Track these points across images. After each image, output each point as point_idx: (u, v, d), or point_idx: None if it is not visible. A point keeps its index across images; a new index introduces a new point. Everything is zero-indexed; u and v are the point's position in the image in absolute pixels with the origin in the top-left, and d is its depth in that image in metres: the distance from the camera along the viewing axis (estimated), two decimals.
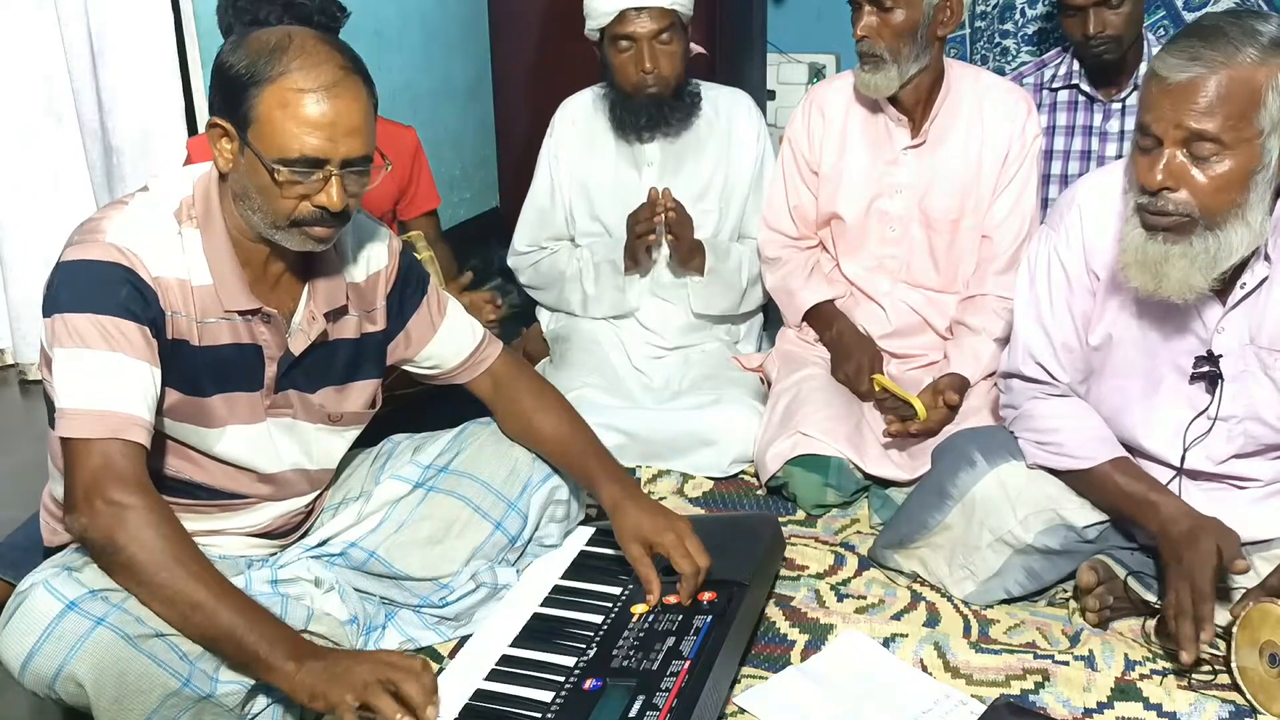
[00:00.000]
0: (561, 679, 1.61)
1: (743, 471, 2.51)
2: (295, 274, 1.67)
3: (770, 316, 2.91)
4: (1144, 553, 1.89)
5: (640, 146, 2.72)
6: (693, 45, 2.69)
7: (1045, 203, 2.63)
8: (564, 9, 3.05)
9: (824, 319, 2.62)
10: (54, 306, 1.52)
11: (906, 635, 1.89)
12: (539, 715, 1.54)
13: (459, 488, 1.90)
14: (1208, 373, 1.80)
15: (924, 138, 2.50)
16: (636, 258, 2.70)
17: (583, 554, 1.96)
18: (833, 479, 2.31)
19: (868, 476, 2.35)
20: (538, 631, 1.75)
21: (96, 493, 1.45)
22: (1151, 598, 1.86)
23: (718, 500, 2.42)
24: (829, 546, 2.21)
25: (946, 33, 2.41)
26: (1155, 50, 1.78)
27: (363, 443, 1.92)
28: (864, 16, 2.35)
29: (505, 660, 1.68)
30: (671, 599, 1.75)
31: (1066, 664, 1.82)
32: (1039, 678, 1.78)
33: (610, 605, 1.79)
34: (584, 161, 2.78)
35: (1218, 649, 1.76)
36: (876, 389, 2.41)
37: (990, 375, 2.37)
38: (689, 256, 2.68)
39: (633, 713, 1.51)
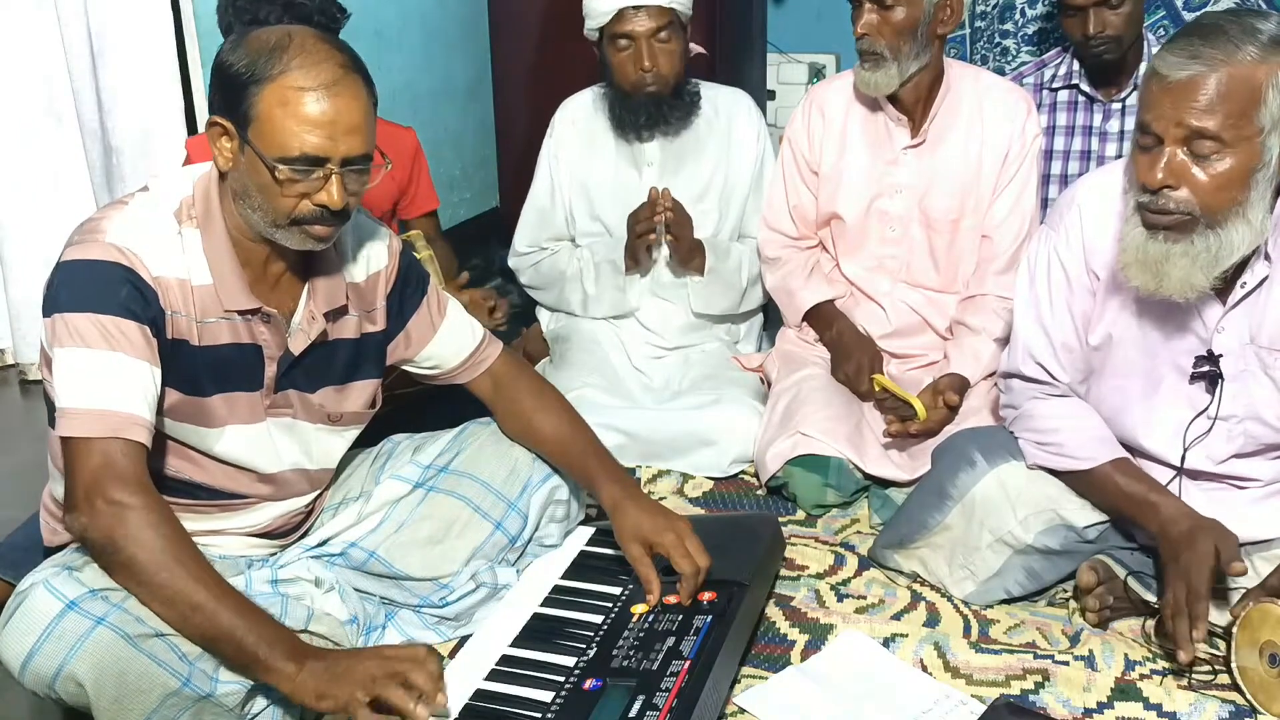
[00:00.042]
0: (561, 679, 1.61)
1: (743, 471, 2.51)
2: (295, 274, 1.67)
3: (770, 316, 2.91)
4: (1144, 553, 1.89)
5: (640, 146, 2.72)
6: (693, 45, 2.69)
7: (1045, 203, 2.63)
8: (564, 9, 3.05)
9: (824, 319, 2.62)
10: (54, 306, 1.52)
11: (906, 635, 1.89)
12: (539, 715, 1.54)
13: (459, 488, 1.90)
14: (1208, 372, 1.80)
15: (924, 137, 2.50)
16: (637, 257, 2.70)
17: (583, 554, 1.96)
18: (833, 479, 2.30)
19: (868, 476, 2.35)
20: (538, 631, 1.75)
21: (97, 492, 1.45)
22: (1151, 598, 1.86)
23: (718, 500, 2.42)
24: (829, 546, 2.21)
25: (947, 31, 2.41)
26: (1155, 50, 1.77)
27: (363, 443, 1.92)
28: (864, 14, 2.35)
29: (505, 660, 1.68)
30: (671, 599, 1.75)
31: (1066, 664, 1.81)
32: (1039, 678, 1.78)
33: (610, 605, 1.79)
34: (584, 161, 2.78)
35: (1217, 649, 1.76)
36: (876, 389, 2.41)
37: (990, 375, 2.37)
38: (689, 256, 2.68)
39: (633, 713, 1.51)
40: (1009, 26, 3.80)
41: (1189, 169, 1.63)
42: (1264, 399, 1.80)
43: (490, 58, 4.20)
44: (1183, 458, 1.85)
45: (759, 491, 2.44)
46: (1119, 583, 1.89)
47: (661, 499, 2.35)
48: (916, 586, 2.04)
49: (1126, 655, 1.83)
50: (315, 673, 1.45)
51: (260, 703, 1.59)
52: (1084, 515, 1.90)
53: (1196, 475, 1.87)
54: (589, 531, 2.01)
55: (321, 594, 1.77)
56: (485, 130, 4.27)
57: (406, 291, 1.83)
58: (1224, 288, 1.76)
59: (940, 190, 2.51)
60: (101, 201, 3.02)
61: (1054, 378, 1.94)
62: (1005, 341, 2.09)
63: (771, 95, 4.35)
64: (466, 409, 2.00)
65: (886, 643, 1.87)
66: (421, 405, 2.20)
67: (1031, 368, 1.95)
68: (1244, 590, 1.76)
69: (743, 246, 2.77)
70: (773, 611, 1.97)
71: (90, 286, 1.51)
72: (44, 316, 1.54)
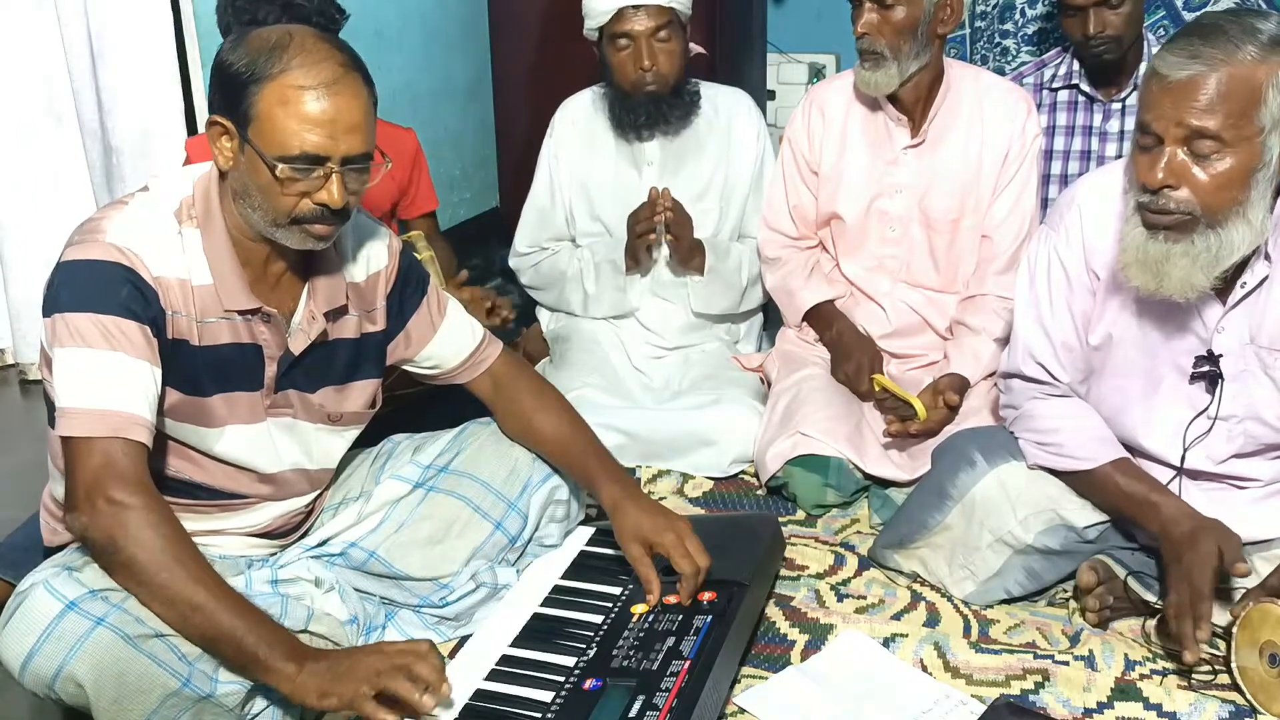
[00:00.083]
0: (561, 679, 1.61)
1: (743, 471, 2.51)
2: (295, 274, 1.67)
3: (770, 316, 2.91)
4: (1144, 553, 1.89)
5: (640, 146, 2.72)
6: (692, 45, 2.69)
7: (1045, 203, 2.63)
8: (564, 9, 3.05)
9: (824, 319, 2.62)
10: (54, 306, 1.52)
11: (906, 635, 1.89)
12: (539, 715, 1.54)
13: (459, 488, 1.90)
14: (1208, 372, 1.80)
15: (924, 137, 2.50)
16: (637, 257, 2.70)
17: (583, 554, 1.96)
18: (833, 479, 2.30)
19: (868, 476, 2.35)
20: (538, 631, 1.75)
21: (98, 492, 1.45)
22: (1151, 598, 1.86)
23: (718, 500, 2.42)
24: (829, 546, 2.20)
25: (947, 31, 2.41)
26: (1155, 50, 1.77)
27: (363, 443, 1.92)
28: (864, 13, 2.35)
29: (505, 660, 1.68)
30: (671, 599, 1.75)
31: (1066, 664, 1.81)
32: (1039, 678, 1.78)
33: (610, 605, 1.79)
34: (584, 161, 2.79)
35: (1217, 649, 1.76)
36: (876, 389, 2.41)
37: (990, 375, 2.37)
38: (689, 256, 2.68)
39: (633, 713, 1.51)
40: (1009, 26, 3.80)
41: (1189, 169, 1.63)
42: (1264, 399, 1.80)
43: (490, 58, 4.20)
44: (1183, 458, 1.85)
45: (759, 491, 2.43)
46: (1119, 583, 1.89)
47: (661, 499, 2.35)
48: (916, 586, 2.04)
49: (1126, 655, 1.83)
50: (316, 672, 1.46)
51: (260, 703, 1.59)
52: (1084, 515, 1.90)
53: (1196, 475, 1.87)
54: (589, 531, 2.01)
55: (321, 594, 1.77)
56: (485, 130, 4.27)
57: (406, 291, 1.83)
58: (1224, 288, 1.76)
59: (940, 190, 2.51)
60: (101, 201, 3.02)
61: (1054, 378, 1.94)
62: (1005, 341, 2.09)
63: (771, 95, 4.35)
64: (466, 409, 2.00)
65: (886, 643, 1.87)
66: (421, 405, 2.20)
67: (1032, 368, 1.95)
68: (1244, 590, 1.76)
69: (743, 246, 2.77)
70: (773, 611, 1.97)
71: (91, 286, 1.51)
72: (44, 316, 1.54)
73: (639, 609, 1.75)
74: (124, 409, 1.48)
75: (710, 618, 1.70)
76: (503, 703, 1.57)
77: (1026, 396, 1.96)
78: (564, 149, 2.81)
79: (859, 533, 2.26)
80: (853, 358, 2.51)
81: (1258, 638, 1.67)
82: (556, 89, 2.95)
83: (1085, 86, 2.75)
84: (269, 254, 1.63)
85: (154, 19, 2.99)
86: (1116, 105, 2.73)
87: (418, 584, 1.87)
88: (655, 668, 1.60)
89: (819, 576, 2.09)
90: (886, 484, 2.35)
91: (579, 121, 2.80)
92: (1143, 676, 1.78)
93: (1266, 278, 1.75)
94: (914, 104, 2.48)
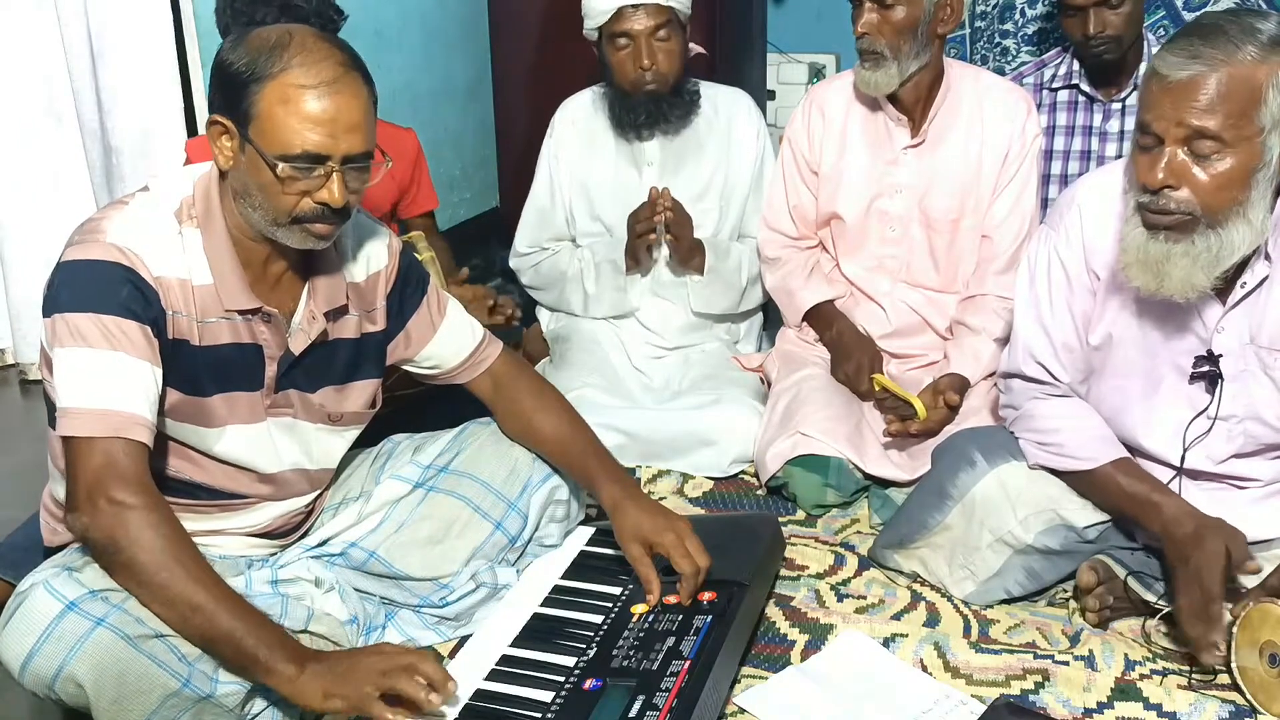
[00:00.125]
0: (561, 679, 1.61)
1: (743, 471, 2.51)
2: (295, 273, 1.67)
3: (770, 316, 2.91)
4: (1144, 553, 1.89)
5: (640, 145, 2.73)
6: (692, 45, 2.69)
7: (1045, 203, 2.63)
8: (564, 9, 3.05)
9: (824, 319, 2.62)
10: (55, 306, 1.52)
11: (906, 635, 1.89)
12: (539, 715, 1.54)
13: (459, 488, 1.90)
14: (1208, 372, 1.80)
15: (924, 137, 2.50)
16: (637, 257, 2.70)
17: (583, 554, 1.96)
18: (833, 479, 2.30)
19: (868, 476, 2.35)
20: (538, 631, 1.75)
21: (99, 492, 1.45)
22: (1151, 598, 1.86)
23: (718, 500, 2.42)
24: (829, 546, 2.20)
25: (947, 31, 2.41)
26: (1155, 50, 1.77)
27: (363, 443, 1.92)
28: (865, 13, 2.35)
29: (505, 660, 1.68)
30: (671, 599, 1.75)
31: (1066, 664, 1.81)
32: (1039, 678, 1.78)
33: (610, 605, 1.79)
34: (584, 161, 2.79)
35: (1218, 649, 1.76)
36: (876, 389, 2.41)
37: (990, 375, 2.37)
38: (689, 256, 2.68)
39: (633, 713, 1.51)
40: (1009, 26, 3.80)
41: (1189, 169, 1.63)
42: (1264, 399, 1.80)
43: (490, 58, 4.19)
44: (1182, 458, 1.85)
45: (759, 491, 2.43)
46: (1119, 583, 1.88)
47: (661, 499, 2.35)
48: (916, 586, 2.04)
49: (1126, 655, 1.83)
50: (318, 674, 1.46)
51: (260, 703, 1.59)
52: (1084, 515, 1.90)
53: (1196, 475, 1.87)
54: (589, 531, 2.01)
55: (321, 594, 1.77)
56: (485, 130, 4.27)
57: (406, 291, 1.83)
58: (1224, 288, 1.76)
59: (940, 190, 2.51)
60: (101, 201, 3.02)
61: (1055, 378, 1.94)
62: (1005, 341, 2.09)
63: (771, 95, 4.35)
64: (466, 409, 2.00)
65: (886, 643, 1.87)
66: (421, 405, 2.20)
67: (1032, 368, 1.95)
68: (1246, 589, 1.76)
69: (742, 246, 2.77)
70: (773, 611, 1.97)
71: (91, 286, 1.51)
72: (44, 317, 1.54)
73: (639, 609, 1.75)
74: (125, 409, 1.48)
75: (710, 618, 1.70)
76: (503, 703, 1.58)
77: (1027, 397, 1.96)
78: (564, 149, 2.81)
79: (859, 533, 2.26)
80: (853, 358, 2.51)
81: (1258, 638, 1.67)
82: (556, 89, 2.95)
83: (1085, 86, 2.75)
84: (269, 254, 1.63)
85: (154, 19, 2.99)
86: (1116, 105, 2.73)
87: (418, 584, 1.87)
88: (655, 668, 1.60)
89: (819, 576, 2.09)
90: (886, 484, 2.35)
91: (579, 121, 2.80)
92: (1143, 676, 1.78)
93: (1266, 278, 1.75)
94: (914, 104, 2.48)
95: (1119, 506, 1.86)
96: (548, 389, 1.97)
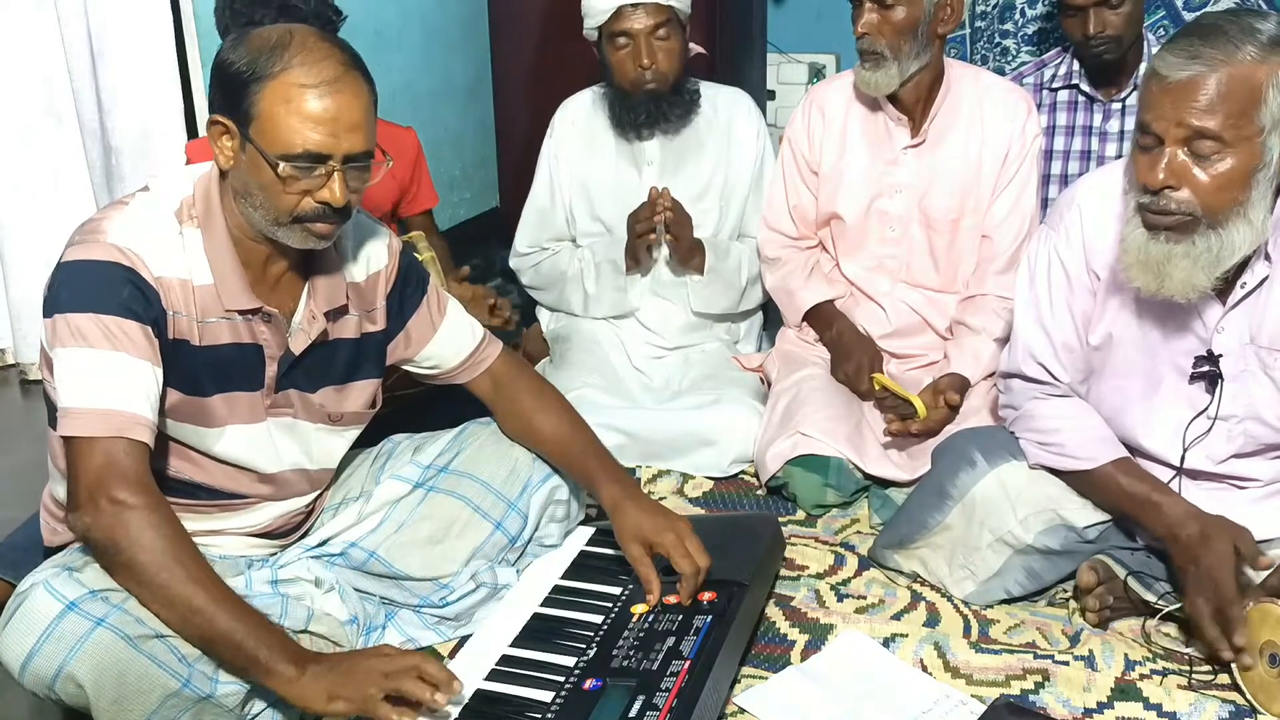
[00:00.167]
0: (561, 679, 1.61)
1: (743, 471, 2.51)
2: (296, 273, 1.67)
3: (770, 316, 2.91)
4: (1144, 553, 1.89)
5: (640, 145, 2.73)
6: (692, 45, 2.70)
7: (1045, 203, 2.63)
8: (564, 9, 3.05)
9: (824, 319, 2.62)
10: (55, 306, 1.52)
11: (906, 635, 1.89)
12: (539, 715, 1.54)
13: (459, 488, 1.90)
14: (1208, 372, 1.80)
15: (924, 137, 2.50)
16: (637, 257, 2.70)
17: (583, 554, 1.96)
18: (833, 479, 2.30)
19: (868, 476, 2.35)
20: (538, 631, 1.75)
21: (100, 491, 1.45)
22: (1151, 598, 1.86)
23: (718, 500, 2.42)
24: (829, 546, 2.20)
25: (947, 31, 2.41)
26: (1155, 50, 1.77)
27: (363, 443, 1.92)
28: (865, 14, 2.35)
29: (505, 660, 1.68)
30: (671, 599, 1.75)
31: (1066, 664, 1.81)
32: (1039, 678, 1.78)
33: (610, 605, 1.79)
34: (584, 161, 2.79)
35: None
36: (876, 388, 2.41)
37: (990, 375, 2.37)
38: (689, 256, 2.68)
39: (633, 713, 1.51)
40: (1009, 26, 3.80)
41: (1190, 169, 1.63)
42: (1264, 399, 1.80)
43: (490, 58, 4.19)
44: (1182, 458, 1.85)
45: (759, 491, 2.43)
46: (1119, 583, 1.88)
47: (661, 499, 2.35)
48: (916, 586, 2.04)
49: (1126, 655, 1.83)
50: (319, 675, 1.46)
51: (259, 704, 1.59)
52: (1084, 515, 1.90)
53: (1196, 475, 1.87)
54: (589, 531, 2.01)
55: (321, 594, 1.77)
56: (485, 130, 4.27)
57: (406, 291, 1.83)
58: (1224, 288, 1.76)
59: (940, 190, 2.51)
60: (101, 201, 3.02)
61: (1055, 378, 1.94)
62: (1005, 341, 2.09)
63: (771, 95, 4.35)
64: (466, 409, 2.00)
65: (886, 643, 1.87)
66: (421, 405, 2.20)
67: (1033, 368, 1.95)
68: (1254, 583, 1.76)
69: (742, 246, 2.77)
70: (773, 611, 1.97)
71: (92, 287, 1.51)
72: (45, 317, 1.54)
73: (639, 609, 1.76)
74: (126, 409, 1.48)
75: (710, 618, 1.70)
76: (503, 703, 1.58)
77: (1027, 397, 1.96)
78: (564, 149, 2.81)
79: (859, 533, 2.26)
80: (853, 357, 2.51)
81: (1258, 638, 1.67)
82: (556, 89, 2.95)
83: (1085, 86, 2.75)
84: (270, 254, 1.63)
85: (154, 19, 2.99)
86: (1116, 105, 2.73)
87: (418, 584, 1.87)
88: (655, 668, 1.60)
89: (819, 576, 2.09)
90: (886, 484, 2.35)
91: (579, 121, 2.80)
92: (1143, 676, 1.78)
93: (1267, 278, 1.75)
94: (914, 104, 2.48)
95: (1120, 506, 1.86)
96: (548, 389, 1.97)
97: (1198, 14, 2.68)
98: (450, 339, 1.89)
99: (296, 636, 1.63)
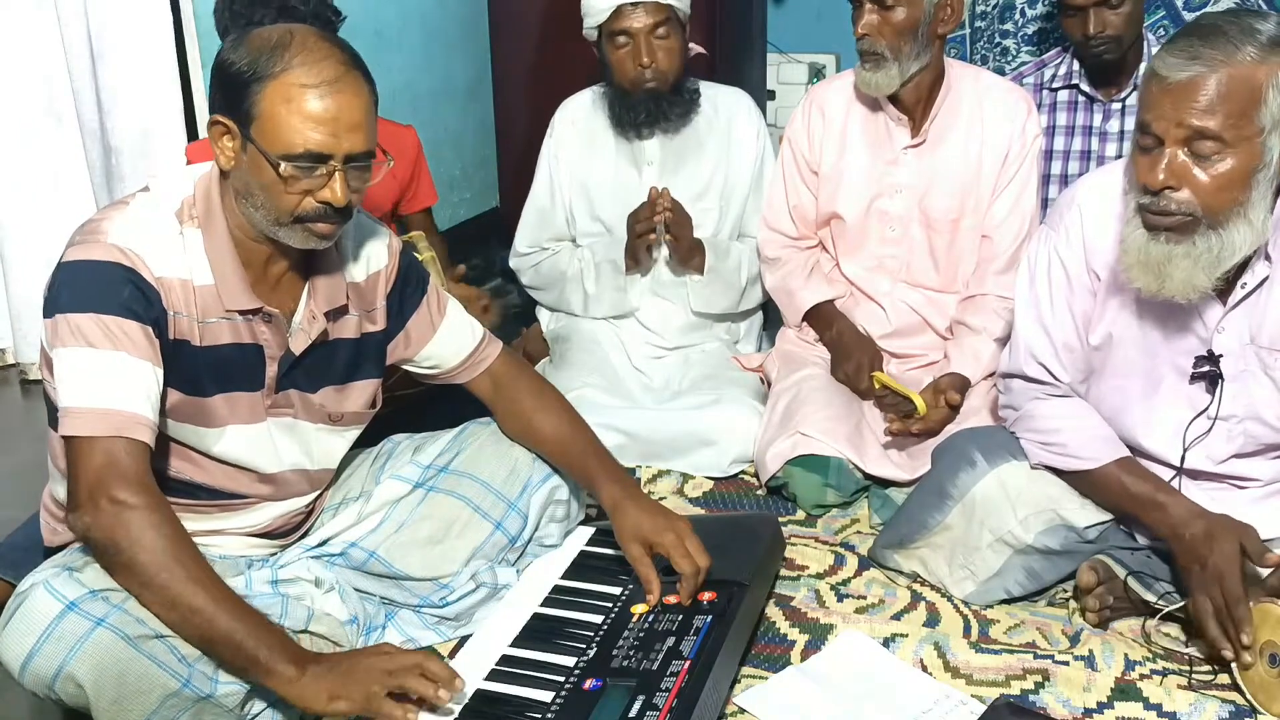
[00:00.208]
0: (561, 679, 1.61)
1: (743, 471, 2.51)
2: (296, 274, 1.67)
3: (770, 316, 2.91)
4: (1145, 553, 1.89)
5: (640, 145, 2.73)
6: (692, 45, 2.70)
7: (1045, 203, 2.63)
8: (564, 9, 3.05)
9: (824, 319, 2.62)
10: (56, 307, 1.52)
11: (906, 635, 1.89)
12: (539, 715, 1.54)
13: (459, 488, 1.90)
14: (1208, 372, 1.80)
15: (924, 137, 2.50)
16: (637, 257, 2.70)
17: (583, 554, 1.96)
18: (833, 479, 2.30)
19: (868, 476, 2.35)
20: (538, 631, 1.75)
21: (101, 491, 1.45)
22: (1151, 597, 1.86)
23: (718, 500, 2.42)
24: (829, 546, 2.21)
25: (947, 31, 2.41)
26: (1155, 50, 1.77)
27: (363, 443, 1.92)
28: (865, 14, 2.35)
29: (505, 660, 1.68)
30: (671, 599, 1.75)
31: (1066, 664, 1.81)
32: (1039, 678, 1.78)
33: (610, 605, 1.79)
34: (584, 161, 2.79)
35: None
36: (877, 386, 2.41)
37: (990, 375, 2.37)
38: (689, 256, 2.68)
39: (633, 713, 1.51)
40: (1009, 26, 3.80)
41: (1190, 170, 1.63)
42: (1264, 399, 1.80)
43: (490, 58, 4.19)
44: (1182, 458, 1.85)
45: (759, 491, 2.43)
46: (1119, 583, 1.88)
47: (661, 499, 2.35)
48: (916, 586, 2.04)
49: (1126, 655, 1.83)
50: (320, 675, 1.46)
51: (259, 704, 1.59)
52: (1084, 515, 1.90)
53: (1196, 475, 1.87)
54: (589, 531, 2.01)
55: (321, 594, 1.77)
56: (485, 130, 4.27)
57: (406, 291, 1.83)
58: (1224, 288, 1.76)
59: (940, 190, 2.51)
60: (101, 201, 3.02)
61: (1056, 378, 1.94)
62: (1005, 341, 2.09)
63: (771, 95, 4.35)
64: (466, 409, 2.00)
65: (886, 643, 1.87)
66: (421, 405, 2.20)
67: (1034, 368, 1.95)
68: (1262, 580, 1.76)
69: (742, 246, 2.77)
70: (773, 611, 1.97)
71: (92, 287, 1.51)
72: (45, 318, 1.54)
73: (639, 609, 1.76)
74: (127, 408, 1.48)
75: (710, 618, 1.70)
76: (503, 703, 1.58)
77: (1028, 397, 1.96)
78: (564, 149, 2.81)
79: (859, 533, 2.26)
80: (853, 357, 2.51)
81: (1258, 638, 1.67)
82: (556, 89, 2.95)
83: (1085, 86, 2.75)
84: (270, 254, 1.63)
85: (154, 19, 2.99)
86: (1116, 105, 2.73)
87: (418, 584, 1.87)
88: (655, 668, 1.60)
89: (819, 576, 2.09)
90: (886, 484, 2.35)
91: (579, 121, 2.80)
92: (1143, 676, 1.78)
93: (1267, 278, 1.75)
94: (915, 104, 2.48)
95: (1123, 506, 1.86)
96: (548, 389, 1.97)
97: (1198, 14, 2.69)
98: (450, 339, 1.89)
99: (296, 636, 1.63)
